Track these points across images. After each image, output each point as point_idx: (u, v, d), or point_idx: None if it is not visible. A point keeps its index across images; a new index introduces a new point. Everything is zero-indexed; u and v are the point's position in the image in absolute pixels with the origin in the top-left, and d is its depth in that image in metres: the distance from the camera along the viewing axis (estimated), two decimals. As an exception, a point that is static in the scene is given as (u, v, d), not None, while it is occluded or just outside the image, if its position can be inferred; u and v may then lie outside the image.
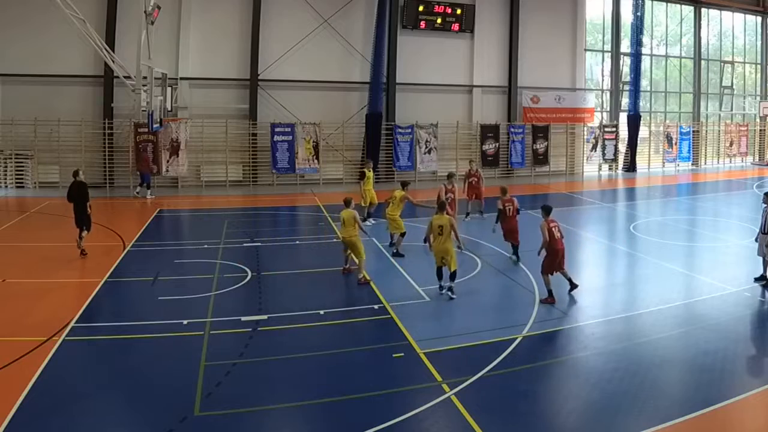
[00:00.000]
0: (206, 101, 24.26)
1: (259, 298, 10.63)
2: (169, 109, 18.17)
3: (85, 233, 13.31)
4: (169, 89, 17.48)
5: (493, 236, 13.41)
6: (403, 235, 13.48)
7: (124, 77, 16.35)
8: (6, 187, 22.44)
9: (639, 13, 30.36)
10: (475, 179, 17.72)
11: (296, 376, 7.69)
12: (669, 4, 33.12)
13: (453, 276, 10.58)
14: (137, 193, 21.68)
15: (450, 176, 15.75)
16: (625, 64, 31.29)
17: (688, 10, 33.48)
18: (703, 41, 33.97)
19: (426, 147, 26.62)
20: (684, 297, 10.85)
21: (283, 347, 8.55)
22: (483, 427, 6.33)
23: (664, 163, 32.71)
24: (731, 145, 34.75)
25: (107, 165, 23.00)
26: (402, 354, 8.20)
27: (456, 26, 27.18)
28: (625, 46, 31.54)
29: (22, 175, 22.68)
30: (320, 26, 25.15)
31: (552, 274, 10.36)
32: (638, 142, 31.08)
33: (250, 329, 9.09)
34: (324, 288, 11.49)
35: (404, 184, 14.18)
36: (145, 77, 15.35)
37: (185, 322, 9.25)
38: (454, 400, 6.90)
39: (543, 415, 6.82)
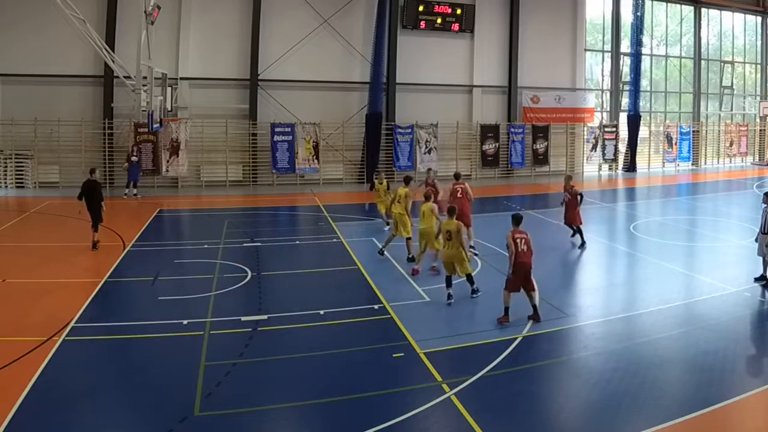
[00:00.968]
0: (206, 101, 24.27)
1: (259, 298, 10.63)
2: (169, 109, 18.17)
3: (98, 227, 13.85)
4: (169, 89, 17.47)
5: (493, 236, 13.40)
6: (409, 239, 12.95)
7: (124, 77, 16.35)
8: (6, 187, 22.43)
9: (639, 13, 30.37)
10: (432, 189, 15.09)
11: (296, 376, 7.68)
12: (669, 4, 33.13)
13: (470, 280, 10.39)
14: (125, 194, 21.48)
15: (456, 176, 14.97)
16: (625, 64, 31.30)
17: (688, 10, 33.48)
18: (703, 41, 33.98)
19: (426, 147, 26.63)
20: (684, 297, 10.84)
21: (283, 347, 8.55)
22: (483, 427, 6.33)
23: (664, 163, 32.72)
24: (731, 145, 34.75)
25: (107, 165, 22.99)
26: (402, 354, 8.19)
27: (456, 26, 27.19)
28: (625, 46, 31.55)
29: (22, 175, 22.68)
30: (320, 26, 25.16)
31: (516, 291, 9.41)
32: (638, 142, 31.10)
33: (250, 329, 9.09)
34: (324, 288, 11.49)
35: (407, 180, 13.94)
36: (145, 77, 15.36)
37: (185, 322, 9.24)
38: (454, 400, 6.90)
39: (543, 415, 6.82)
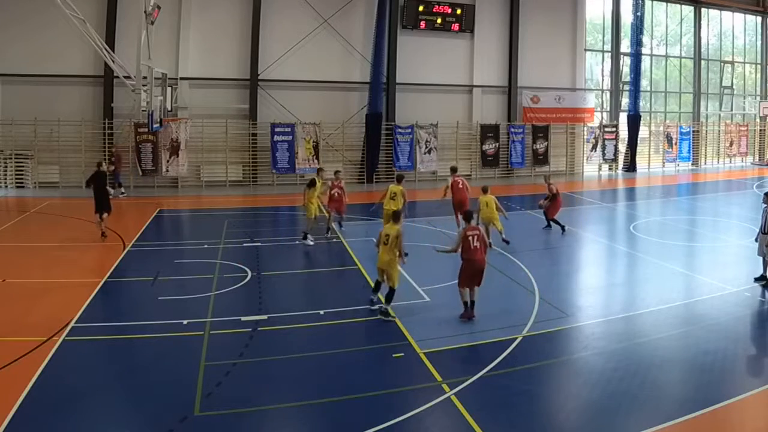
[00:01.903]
0: (206, 101, 24.26)
1: (259, 298, 10.62)
2: (169, 109, 18.14)
3: (105, 215, 14.47)
4: (169, 89, 17.44)
5: (493, 237, 13.38)
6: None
7: (124, 77, 16.33)
8: (6, 187, 22.43)
9: (639, 13, 30.36)
10: (339, 191, 15.39)
11: (296, 376, 7.68)
12: (669, 4, 33.13)
13: (390, 296, 9.52)
14: (117, 195, 21.38)
15: (453, 170, 15.91)
16: (625, 64, 31.29)
17: (688, 10, 33.48)
18: (703, 41, 33.98)
19: (426, 147, 26.62)
20: (684, 297, 10.84)
21: (283, 347, 8.54)
22: (483, 427, 6.33)
23: (664, 163, 32.71)
24: (731, 145, 34.75)
25: (107, 165, 22.94)
26: (402, 354, 8.19)
27: (456, 26, 27.18)
28: (625, 46, 31.54)
29: (22, 175, 22.68)
30: (320, 26, 25.15)
31: (468, 287, 9.39)
32: (638, 142, 31.09)
33: (250, 329, 9.08)
34: (324, 288, 11.48)
35: (399, 179, 14.20)
36: (145, 77, 15.33)
37: (185, 322, 9.24)
38: (454, 400, 6.90)
39: (543, 415, 6.82)
